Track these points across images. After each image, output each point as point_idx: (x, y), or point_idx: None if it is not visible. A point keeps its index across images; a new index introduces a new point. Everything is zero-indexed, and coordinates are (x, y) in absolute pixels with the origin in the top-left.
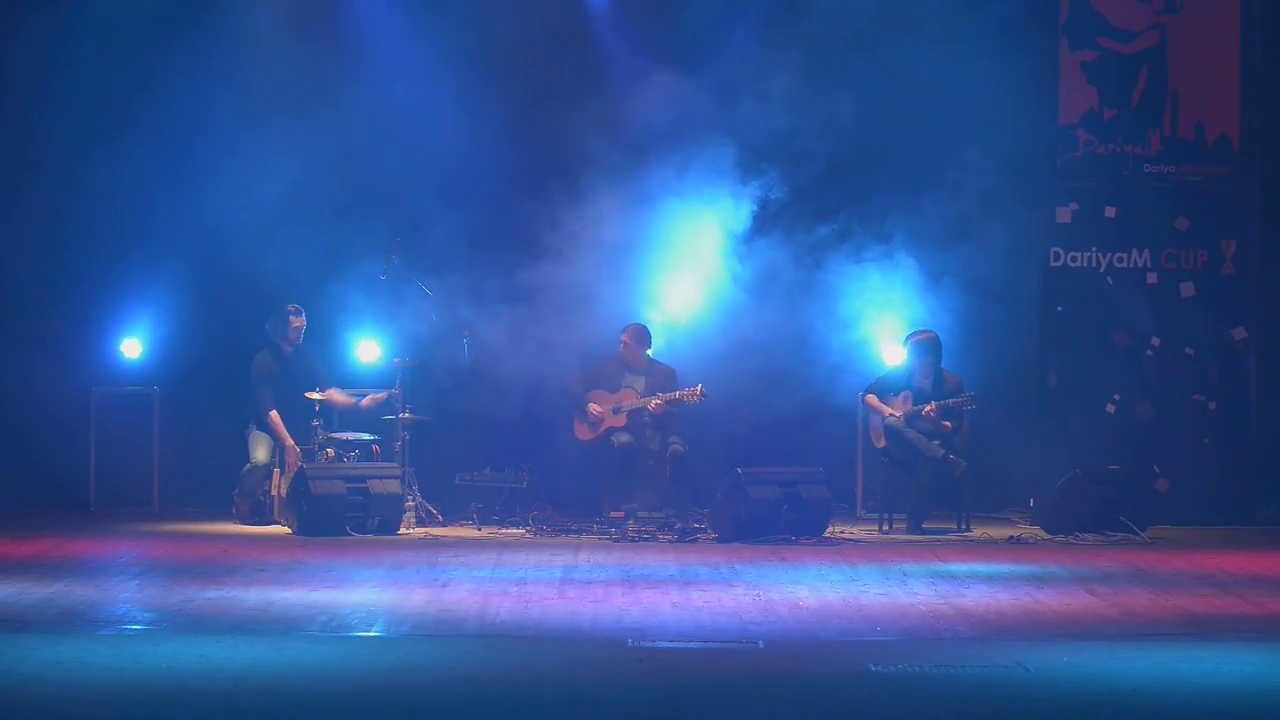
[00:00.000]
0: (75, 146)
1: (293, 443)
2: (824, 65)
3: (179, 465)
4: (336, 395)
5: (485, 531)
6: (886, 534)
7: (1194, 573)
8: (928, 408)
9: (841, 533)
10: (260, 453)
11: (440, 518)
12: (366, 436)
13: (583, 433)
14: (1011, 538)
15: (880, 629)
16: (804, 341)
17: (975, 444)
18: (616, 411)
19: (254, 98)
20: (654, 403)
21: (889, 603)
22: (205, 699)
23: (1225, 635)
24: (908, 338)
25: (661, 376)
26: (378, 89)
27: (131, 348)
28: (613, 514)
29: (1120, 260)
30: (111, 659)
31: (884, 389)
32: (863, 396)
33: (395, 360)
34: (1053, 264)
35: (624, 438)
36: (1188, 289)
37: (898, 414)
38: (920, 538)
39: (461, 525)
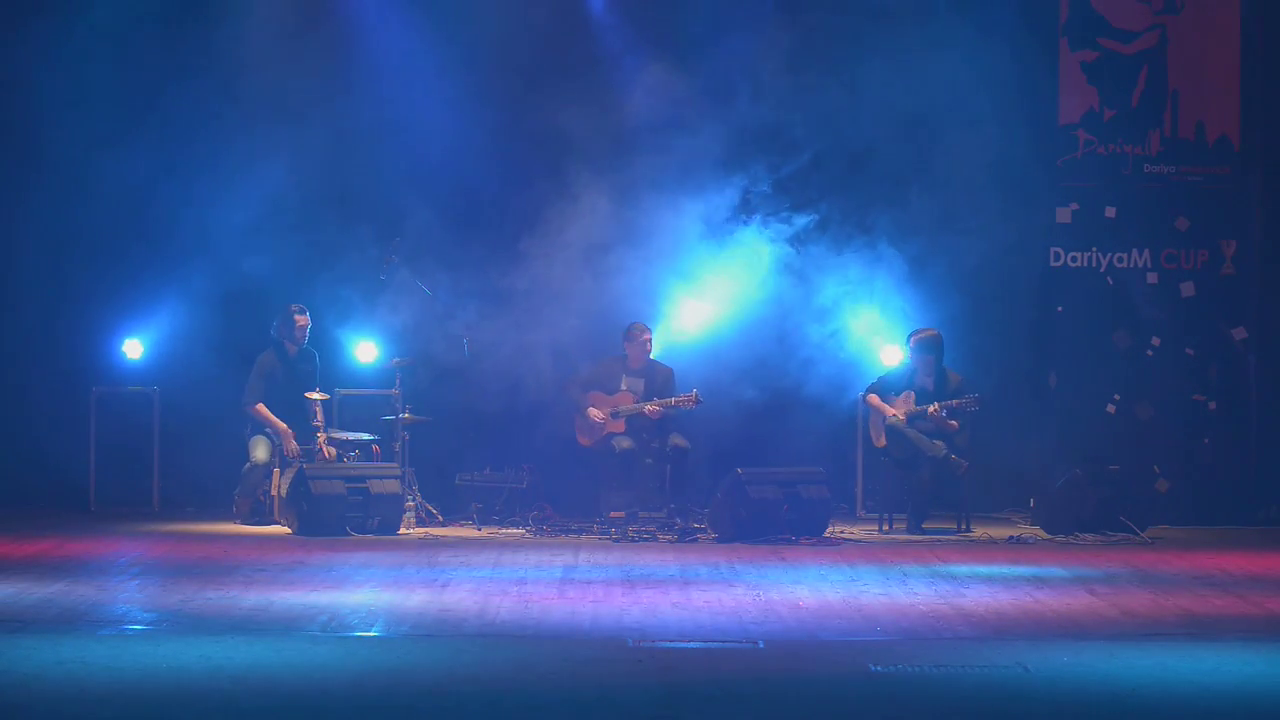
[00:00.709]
0: (78, 147)
1: (285, 425)
2: (823, 65)
3: (179, 465)
4: (326, 449)
5: (485, 531)
6: (886, 534)
7: (1194, 573)
8: (933, 408)
9: (841, 533)
10: (260, 453)
11: (440, 518)
12: (366, 436)
13: (583, 439)
14: (1011, 538)
15: (880, 629)
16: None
17: (975, 444)
18: (615, 416)
19: (253, 98)
20: (649, 408)
21: (889, 603)
22: (205, 699)
23: (1225, 635)
24: (909, 336)
25: (661, 378)
26: (377, 88)
27: (133, 348)
28: (613, 514)
29: (1120, 260)
30: (112, 659)
31: (885, 388)
32: (864, 396)
33: (394, 360)
34: (1053, 264)
35: (625, 443)
36: (1188, 289)
37: (899, 414)
38: (920, 538)
39: (461, 525)
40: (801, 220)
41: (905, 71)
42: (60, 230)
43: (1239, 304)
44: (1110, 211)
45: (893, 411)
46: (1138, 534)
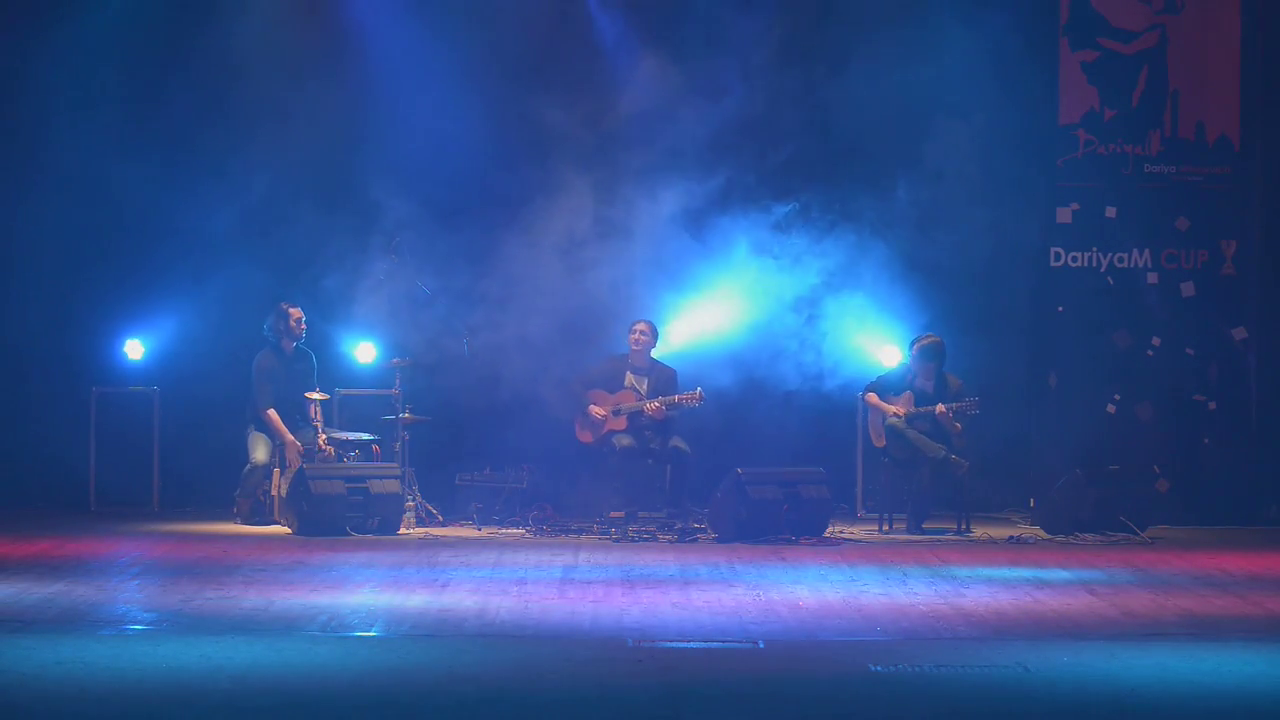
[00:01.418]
0: (80, 148)
1: (293, 438)
2: (823, 65)
3: (179, 465)
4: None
5: (485, 531)
6: (886, 534)
7: (1194, 573)
8: (941, 408)
9: (841, 533)
10: (260, 453)
11: (440, 518)
12: (366, 436)
13: (584, 435)
14: (1011, 538)
15: (880, 629)
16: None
17: (975, 444)
18: (616, 414)
19: (253, 98)
20: (652, 406)
21: (889, 603)
22: (205, 699)
23: (1225, 635)
24: (912, 342)
25: (663, 378)
26: (376, 88)
27: (134, 348)
28: (613, 514)
29: (1120, 260)
30: (112, 659)
31: (884, 389)
32: (863, 395)
33: (394, 360)
34: (1053, 264)
35: (626, 441)
36: (1188, 289)
37: (899, 412)
38: (920, 538)
39: (461, 525)
40: (809, 226)
41: (906, 72)
42: (61, 231)
43: (1239, 304)
44: (1110, 211)
45: (893, 410)
46: (1138, 534)
